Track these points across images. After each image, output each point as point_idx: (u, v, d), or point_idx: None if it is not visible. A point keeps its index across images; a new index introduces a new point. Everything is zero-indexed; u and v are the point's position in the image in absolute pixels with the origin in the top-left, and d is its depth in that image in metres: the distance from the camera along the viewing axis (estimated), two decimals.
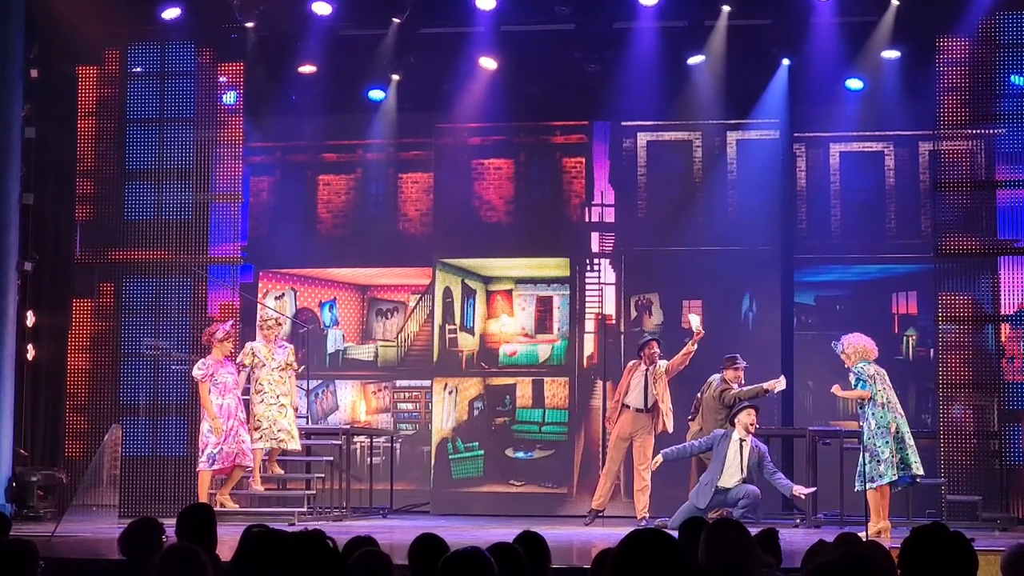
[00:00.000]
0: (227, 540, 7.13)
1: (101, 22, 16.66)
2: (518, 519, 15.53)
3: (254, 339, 16.35)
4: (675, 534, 5.73)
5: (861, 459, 13.71)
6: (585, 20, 17.45)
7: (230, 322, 15.88)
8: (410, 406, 19.00)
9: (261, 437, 15.45)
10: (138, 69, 17.55)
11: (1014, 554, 5.21)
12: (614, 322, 18.24)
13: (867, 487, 13.63)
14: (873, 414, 13.66)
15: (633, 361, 15.98)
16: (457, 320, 18.63)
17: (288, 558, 5.07)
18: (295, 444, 15.70)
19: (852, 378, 13.89)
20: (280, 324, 16.27)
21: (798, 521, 15.58)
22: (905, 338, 17.94)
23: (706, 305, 18.14)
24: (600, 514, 15.66)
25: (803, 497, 15.05)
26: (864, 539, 11.45)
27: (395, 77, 18.23)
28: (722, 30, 17.20)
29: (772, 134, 18.11)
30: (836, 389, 14.09)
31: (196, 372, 15.39)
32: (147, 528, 6.76)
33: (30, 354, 16.93)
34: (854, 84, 17.60)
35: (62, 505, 15.61)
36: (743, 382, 15.54)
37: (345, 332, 19.13)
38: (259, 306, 17.02)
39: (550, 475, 18.05)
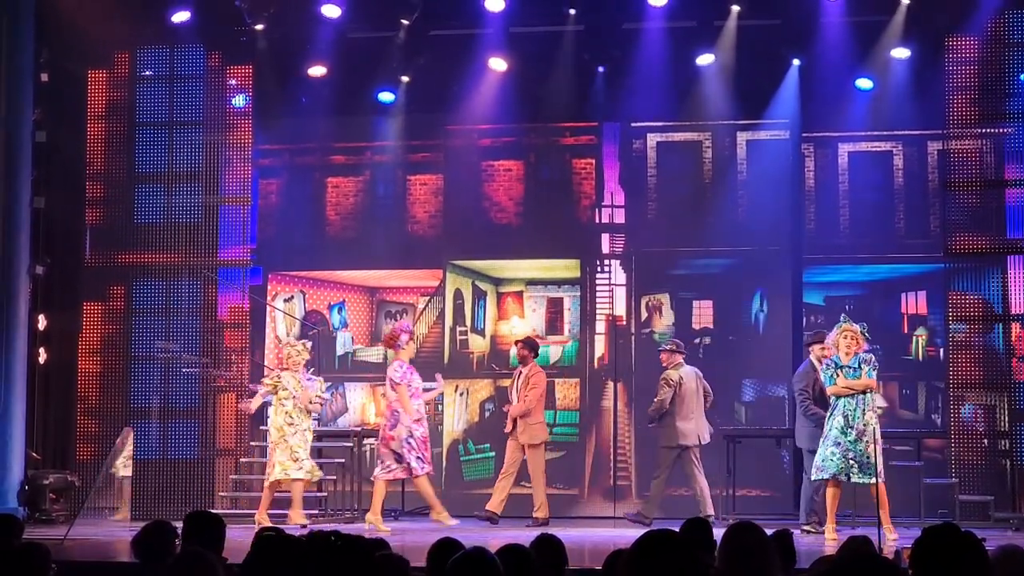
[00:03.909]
0: (235, 542, 7.14)
1: (110, 26, 16.68)
2: (529, 520, 15.52)
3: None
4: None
5: (876, 451, 13.43)
6: (594, 21, 17.46)
7: (407, 322, 15.75)
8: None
9: (300, 468, 15.02)
10: (148, 72, 17.61)
11: (998, 556, 5.24)
12: (625, 323, 18.24)
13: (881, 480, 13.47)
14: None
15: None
16: (468, 321, 18.64)
17: (304, 561, 5.08)
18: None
19: (866, 366, 13.55)
20: (307, 350, 15.66)
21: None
22: (914, 338, 17.91)
23: (716, 305, 18.17)
24: (496, 518, 15.68)
25: None
26: (886, 539, 11.46)
27: (404, 79, 18.23)
28: (731, 30, 17.19)
29: (782, 134, 18.10)
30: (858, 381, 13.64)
31: (395, 374, 15.04)
32: (160, 531, 6.78)
33: (41, 357, 16.97)
34: (864, 84, 17.58)
35: (74, 508, 15.65)
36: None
37: (354, 334, 19.14)
38: (285, 340, 16.51)
39: (561, 476, 18.02)
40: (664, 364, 15.75)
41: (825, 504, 13.80)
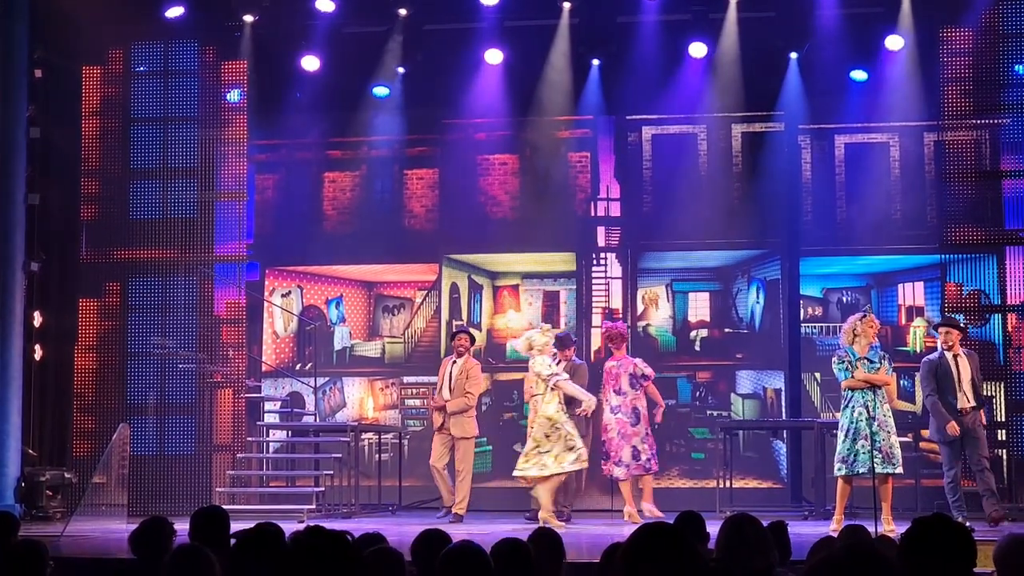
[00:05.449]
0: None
1: (105, 22, 16.68)
2: (526, 514, 15.51)
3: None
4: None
5: (892, 441, 13.33)
6: (589, 14, 17.46)
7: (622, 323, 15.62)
8: (417, 402, 18.98)
9: (577, 458, 14.52)
10: (142, 68, 17.61)
11: (1006, 546, 5.16)
12: (621, 316, 18.23)
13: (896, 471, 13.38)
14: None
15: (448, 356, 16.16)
16: (464, 315, 18.63)
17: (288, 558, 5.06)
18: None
19: (887, 361, 13.47)
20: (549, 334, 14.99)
21: (807, 513, 15.58)
22: (912, 329, 17.90)
23: (713, 298, 18.16)
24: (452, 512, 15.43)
25: None
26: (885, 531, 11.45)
27: (400, 70, 18.22)
28: (727, 22, 17.19)
29: (777, 126, 18.10)
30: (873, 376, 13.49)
31: (647, 369, 15.15)
32: (158, 527, 6.76)
33: (37, 354, 16.94)
34: (859, 75, 17.56)
35: (71, 505, 15.63)
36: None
37: (352, 329, 19.13)
38: (540, 329, 15.18)
39: None
40: (566, 359, 15.53)
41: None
